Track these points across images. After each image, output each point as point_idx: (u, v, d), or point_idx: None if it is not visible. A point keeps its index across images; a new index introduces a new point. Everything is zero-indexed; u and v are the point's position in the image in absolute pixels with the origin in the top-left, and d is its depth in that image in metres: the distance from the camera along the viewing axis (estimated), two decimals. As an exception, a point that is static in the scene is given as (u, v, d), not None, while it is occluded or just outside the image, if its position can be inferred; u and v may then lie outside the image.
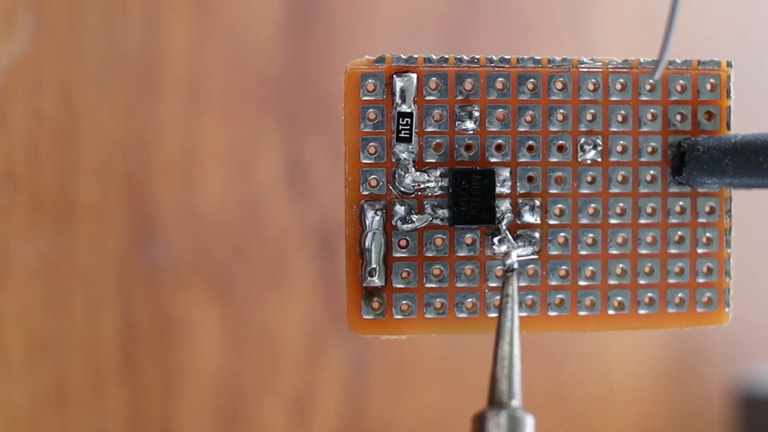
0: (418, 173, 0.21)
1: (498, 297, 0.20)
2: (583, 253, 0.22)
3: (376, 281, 0.21)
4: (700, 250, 0.22)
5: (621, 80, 0.21)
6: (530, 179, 0.21)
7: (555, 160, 0.21)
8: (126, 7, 0.28)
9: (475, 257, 0.21)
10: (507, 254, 0.20)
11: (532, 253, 0.21)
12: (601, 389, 0.41)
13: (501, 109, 0.21)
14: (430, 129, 0.21)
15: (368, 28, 0.34)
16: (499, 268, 0.21)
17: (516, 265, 0.20)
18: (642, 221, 0.22)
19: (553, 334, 0.22)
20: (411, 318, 0.21)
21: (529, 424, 0.18)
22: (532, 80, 0.21)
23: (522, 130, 0.21)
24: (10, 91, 0.26)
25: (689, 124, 0.22)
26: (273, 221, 0.32)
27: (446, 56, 0.21)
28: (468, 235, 0.21)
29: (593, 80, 0.21)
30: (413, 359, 0.35)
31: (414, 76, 0.21)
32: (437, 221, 0.21)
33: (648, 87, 0.22)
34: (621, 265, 0.22)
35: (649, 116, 0.22)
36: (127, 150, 0.29)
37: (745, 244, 0.26)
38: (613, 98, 0.21)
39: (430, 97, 0.21)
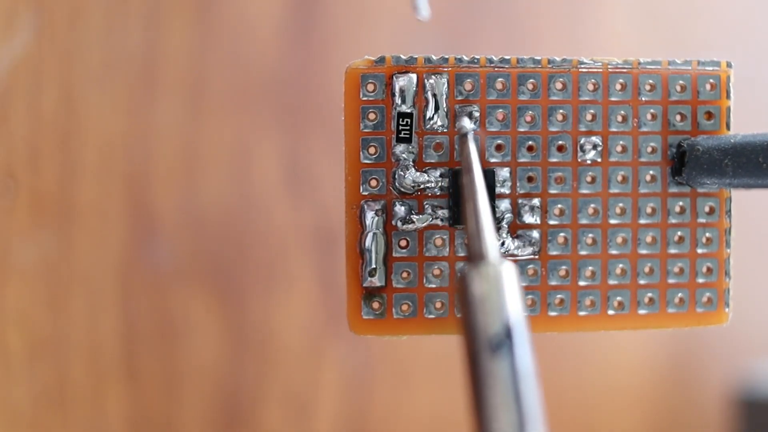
0: (418, 173, 0.21)
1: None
2: (583, 253, 0.22)
3: (376, 281, 0.21)
4: (699, 251, 0.22)
5: (621, 80, 0.22)
6: (530, 179, 0.21)
7: (555, 160, 0.21)
8: (127, 7, 0.28)
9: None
10: (460, 121, 0.20)
11: (532, 254, 0.21)
12: (600, 389, 0.41)
13: (501, 110, 0.21)
14: (428, 129, 0.21)
15: (368, 28, 0.34)
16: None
17: (468, 128, 0.20)
18: (642, 221, 0.22)
19: (553, 334, 0.22)
20: (411, 318, 0.21)
21: (508, 269, 0.18)
22: (531, 80, 0.21)
23: (522, 130, 0.21)
24: (11, 91, 0.26)
25: (689, 124, 0.22)
26: (273, 221, 0.32)
27: (446, 56, 0.21)
28: (468, 236, 0.21)
29: (593, 80, 0.21)
30: (414, 359, 0.35)
31: (414, 76, 0.21)
32: (437, 221, 0.21)
33: (648, 87, 0.22)
34: (621, 266, 0.22)
35: (649, 116, 0.22)
36: (127, 150, 0.29)
37: (744, 244, 0.26)
38: (613, 98, 0.22)
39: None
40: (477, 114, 0.21)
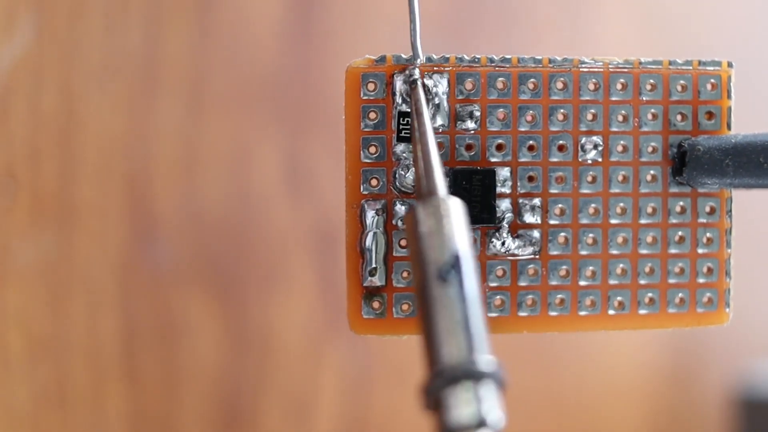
0: (418, 173, 0.21)
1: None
2: (584, 253, 0.22)
3: (377, 281, 0.21)
4: (700, 251, 0.22)
5: (622, 80, 0.22)
6: (531, 179, 0.21)
7: (555, 159, 0.21)
8: (127, 7, 0.28)
9: (475, 257, 0.21)
10: (410, 69, 0.21)
11: (532, 253, 0.21)
12: (600, 389, 0.41)
13: (502, 109, 0.21)
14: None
15: (369, 27, 0.34)
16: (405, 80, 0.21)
17: (417, 75, 0.21)
18: (642, 221, 0.22)
19: (554, 334, 0.22)
20: (411, 318, 0.21)
21: (455, 203, 0.18)
22: (532, 80, 0.21)
23: (523, 129, 0.21)
24: (11, 91, 0.26)
25: (690, 124, 0.22)
26: (273, 221, 0.32)
27: (447, 56, 0.21)
28: (468, 235, 0.21)
29: (594, 80, 0.21)
30: (414, 359, 0.35)
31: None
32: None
33: (649, 87, 0.22)
34: (621, 265, 0.22)
35: (650, 116, 0.22)
36: (127, 150, 0.29)
37: (745, 244, 0.26)
38: (614, 98, 0.22)
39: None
40: (478, 113, 0.21)
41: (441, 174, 0.19)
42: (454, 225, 0.18)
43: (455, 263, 0.17)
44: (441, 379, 0.16)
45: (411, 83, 0.20)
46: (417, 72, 0.21)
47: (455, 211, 0.18)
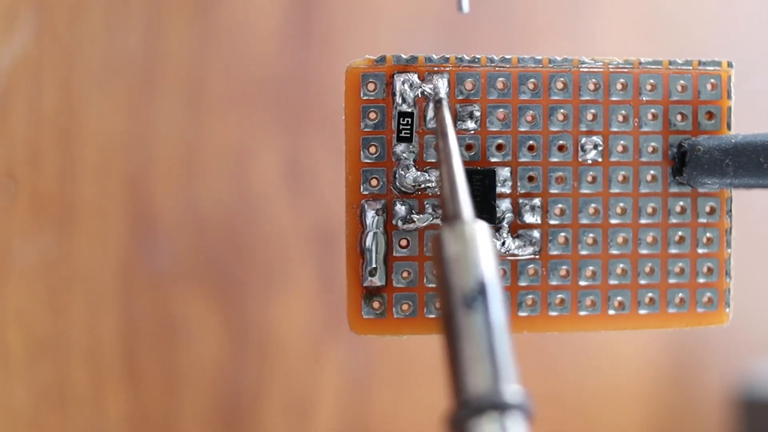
0: (418, 173, 0.21)
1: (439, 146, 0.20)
2: (584, 253, 0.22)
3: (377, 281, 0.21)
4: (700, 251, 0.22)
5: (622, 80, 0.22)
6: (531, 179, 0.21)
7: (556, 159, 0.21)
8: (127, 7, 0.28)
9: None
10: (435, 87, 0.20)
11: (532, 253, 0.21)
12: (600, 389, 0.41)
13: (502, 109, 0.21)
14: (430, 128, 0.21)
15: (369, 27, 0.34)
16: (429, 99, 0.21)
17: (443, 93, 0.20)
18: (642, 221, 0.22)
19: (554, 334, 0.22)
20: (412, 318, 0.21)
21: (482, 228, 0.18)
22: (532, 80, 0.21)
23: (523, 129, 0.21)
24: (11, 91, 0.26)
25: (690, 124, 0.22)
26: (273, 221, 0.32)
27: (447, 56, 0.21)
28: (468, 235, 0.21)
29: (594, 80, 0.21)
30: (414, 359, 0.35)
31: (414, 75, 0.21)
32: (438, 221, 0.21)
33: (649, 87, 0.22)
34: (621, 265, 0.22)
35: (650, 116, 0.22)
36: (128, 150, 0.29)
37: (745, 244, 0.26)
38: (614, 98, 0.22)
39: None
40: (478, 114, 0.21)
41: (467, 197, 0.18)
42: (480, 250, 0.17)
43: (481, 290, 0.17)
44: (466, 410, 0.16)
45: (436, 102, 0.20)
46: (443, 91, 0.20)
47: (481, 235, 0.18)
